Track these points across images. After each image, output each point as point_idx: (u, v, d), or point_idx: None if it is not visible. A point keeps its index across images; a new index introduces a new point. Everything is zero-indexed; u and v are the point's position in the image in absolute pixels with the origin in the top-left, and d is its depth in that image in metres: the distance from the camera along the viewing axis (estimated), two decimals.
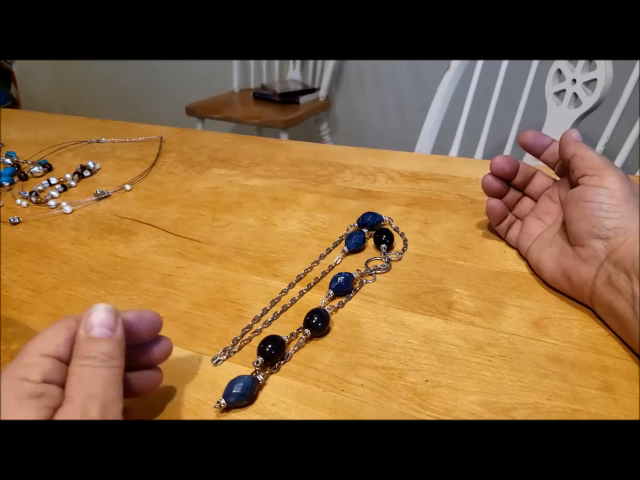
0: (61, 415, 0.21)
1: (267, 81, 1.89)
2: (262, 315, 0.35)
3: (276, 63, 1.88)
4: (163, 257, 0.43)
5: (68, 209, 0.51)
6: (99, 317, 0.23)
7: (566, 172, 0.38)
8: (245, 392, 0.28)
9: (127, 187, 0.56)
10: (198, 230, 0.47)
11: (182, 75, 2.22)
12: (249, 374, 0.30)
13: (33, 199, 0.54)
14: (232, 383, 0.28)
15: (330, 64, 1.74)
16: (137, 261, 0.43)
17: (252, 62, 1.90)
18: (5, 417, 0.20)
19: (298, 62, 1.88)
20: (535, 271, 0.37)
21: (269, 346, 0.31)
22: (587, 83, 0.81)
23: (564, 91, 0.84)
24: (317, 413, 0.28)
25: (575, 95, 0.83)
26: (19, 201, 0.54)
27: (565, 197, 0.36)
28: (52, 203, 0.52)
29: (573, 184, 0.35)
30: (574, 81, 0.82)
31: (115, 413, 0.22)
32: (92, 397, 0.21)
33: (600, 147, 0.81)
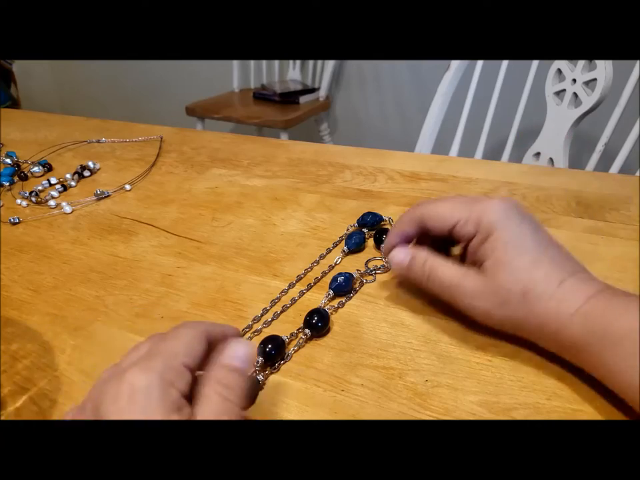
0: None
1: (267, 81, 1.89)
2: (262, 315, 0.35)
3: (276, 62, 1.88)
4: (163, 257, 0.43)
5: (68, 209, 0.51)
6: (245, 350, 0.23)
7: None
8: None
9: (127, 187, 0.56)
10: (198, 230, 0.47)
11: (182, 75, 2.22)
12: (249, 374, 0.30)
13: (33, 199, 0.54)
14: None
15: (330, 64, 1.74)
16: (137, 261, 0.43)
17: (252, 62, 1.90)
18: (148, 417, 0.19)
19: (298, 62, 1.88)
20: None
21: (269, 346, 0.31)
22: (586, 83, 0.81)
23: (564, 90, 0.84)
24: (317, 412, 0.28)
25: (575, 94, 0.83)
26: (19, 201, 0.54)
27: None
28: (52, 202, 0.52)
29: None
30: (574, 80, 0.82)
31: None
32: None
33: (600, 146, 0.81)
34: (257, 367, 0.30)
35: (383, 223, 0.45)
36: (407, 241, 0.35)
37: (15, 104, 2.48)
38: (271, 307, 0.36)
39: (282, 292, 0.37)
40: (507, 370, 0.29)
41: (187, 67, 2.18)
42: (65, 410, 0.29)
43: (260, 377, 0.30)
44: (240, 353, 0.23)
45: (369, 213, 0.45)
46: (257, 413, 0.28)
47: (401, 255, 0.34)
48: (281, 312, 0.36)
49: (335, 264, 0.40)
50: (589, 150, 0.85)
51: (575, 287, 0.27)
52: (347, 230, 0.45)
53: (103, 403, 0.20)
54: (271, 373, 0.31)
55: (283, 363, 0.31)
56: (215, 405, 0.21)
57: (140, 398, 0.20)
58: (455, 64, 0.94)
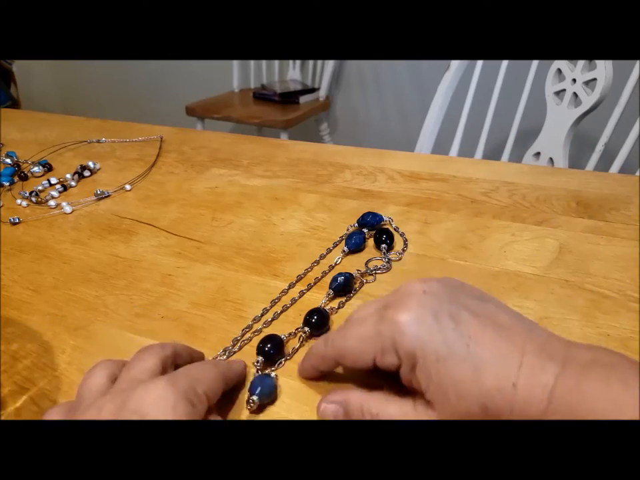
0: None
1: (267, 80, 1.89)
2: (262, 315, 0.35)
3: (276, 63, 1.88)
4: (163, 257, 0.43)
5: (68, 209, 0.51)
6: None
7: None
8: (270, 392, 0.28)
9: (127, 187, 0.56)
10: (198, 230, 0.47)
11: (182, 74, 2.22)
12: (254, 374, 0.30)
13: (33, 199, 0.54)
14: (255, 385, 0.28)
15: (330, 64, 1.74)
16: (137, 261, 0.43)
17: (252, 62, 1.90)
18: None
19: (298, 62, 1.88)
20: None
21: (268, 345, 0.31)
22: (586, 83, 0.81)
23: (564, 90, 0.84)
24: None
25: (575, 94, 0.83)
26: (19, 201, 0.54)
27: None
28: (52, 203, 0.52)
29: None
30: (574, 80, 0.82)
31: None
32: None
33: (600, 146, 0.81)
34: (258, 366, 0.30)
35: (383, 223, 0.45)
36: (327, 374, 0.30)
37: (15, 104, 2.48)
38: (271, 306, 0.36)
39: (282, 292, 0.37)
40: None
41: (187, 66, 2.18)
42: None
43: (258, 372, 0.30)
44: None
45: (369, 213, 0.45)
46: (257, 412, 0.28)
47: (330, 412, 0.27)
48: (281, 312, 0.36)
49: (335, 264, 0.40)
50: (589, 150, 0.85)
51: (533, 380, 0.22)
52: (347, 230, 0.45)
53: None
54: (271, 372, 0.31)
55: (284, 363, 0.31)
56: None
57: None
58: (455, 64, 0.94)
